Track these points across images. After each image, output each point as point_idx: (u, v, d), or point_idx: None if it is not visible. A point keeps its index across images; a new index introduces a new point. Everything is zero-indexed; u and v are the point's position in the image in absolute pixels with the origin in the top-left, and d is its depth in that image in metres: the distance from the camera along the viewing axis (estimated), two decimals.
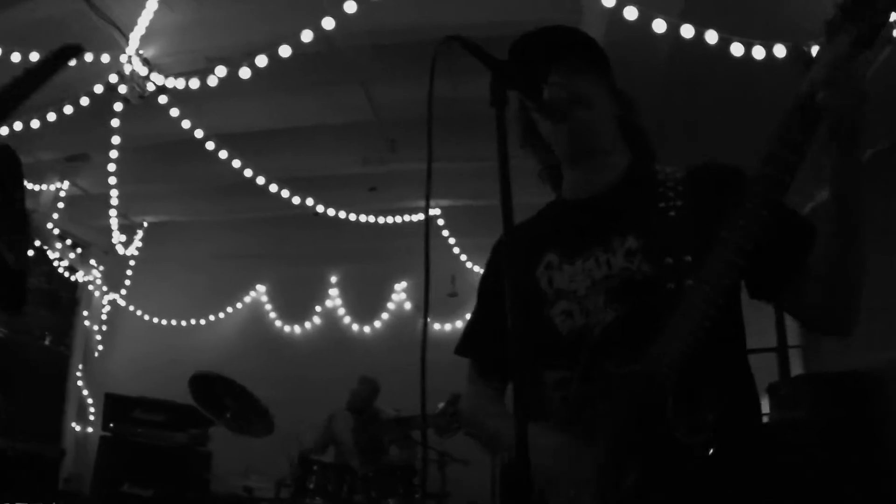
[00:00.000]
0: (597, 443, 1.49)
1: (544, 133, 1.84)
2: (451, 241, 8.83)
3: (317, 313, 9.88)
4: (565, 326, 1.68)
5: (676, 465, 1.40)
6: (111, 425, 6.96)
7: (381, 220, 8.42)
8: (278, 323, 9.98)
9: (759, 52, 4.87)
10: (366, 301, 9.63)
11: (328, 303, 9.86)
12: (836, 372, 7.47)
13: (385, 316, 9.60)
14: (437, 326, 8.83)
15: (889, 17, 1.40)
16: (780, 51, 4.89)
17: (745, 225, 1.42)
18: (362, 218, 8.34)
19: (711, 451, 1.39)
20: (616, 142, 1.84)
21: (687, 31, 4.70)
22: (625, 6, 4.59)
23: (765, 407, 7.60)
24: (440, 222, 8.66)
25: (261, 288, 10.10)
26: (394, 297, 9.68)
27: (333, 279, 9.89)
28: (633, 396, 1.46)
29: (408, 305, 9.58)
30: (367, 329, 9.63)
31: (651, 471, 1.42)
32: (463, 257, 8.82)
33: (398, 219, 8.39)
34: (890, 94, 4.94)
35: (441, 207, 8.50)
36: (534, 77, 1.64)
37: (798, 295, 1.60)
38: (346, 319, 9.75)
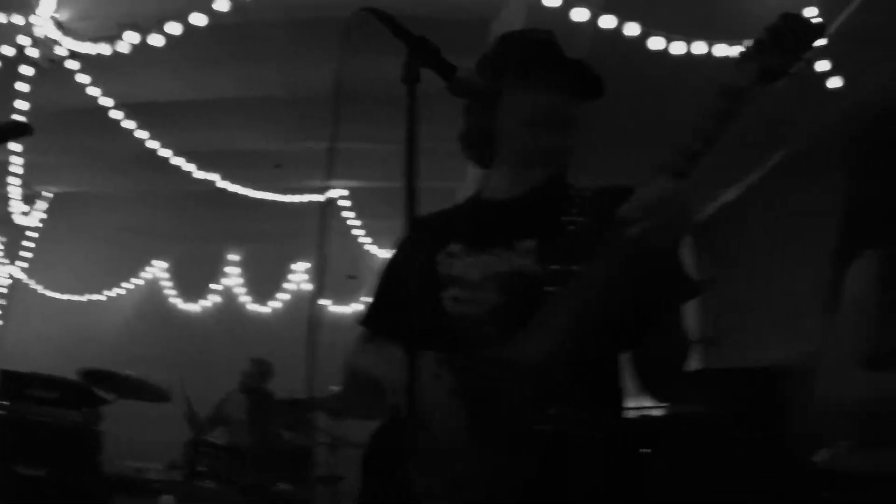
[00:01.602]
0: (475, 429, 1.52)
1: (512, 130, 1.85)
2: (355, 223, 8.76)
3: (216, 292, 9.74)
4: (454, 310, 1.72)
5: (564, 456, 1.46)
6: (6, 403, 6.71)
7: (284, 198, 8.29)
8: (177, 301, 9.81)
9: (678, 48, 4.94)
10: (266, 281, 9.52)
11: (228, 281, 9.72)
12: (736, 367, 7.71)
13: (285, 296, 9.48)
14: (336, 309, 8.77)
15: (801, 56, 1.50)
16: (699, 47, 4.97)
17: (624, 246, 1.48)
18: (266, 196, 8.22)
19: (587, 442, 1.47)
20: (547, 147, 1.87)
21: (608, 21, 4.73)
22: None
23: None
24: (344, 203, 8.58)
25: (161, 264, 9.89)
26: (294, 277, 9.58)
27: (234, 258, 9.71)
28: (513, 386, 1.50)
29: (308, 287, 9.48)
30: (266, 309, 9.50)
31: (539, 462, 1.46)
32: (365, 240, 8.76)
33: (302, 198, 8.28)
34: (801, 101, 5.09)
35: (349, 189, 8.42)
36: (446, 61, 1.62)
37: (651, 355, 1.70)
38: (246, 299, 9.61)
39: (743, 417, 6.70)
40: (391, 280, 1.94)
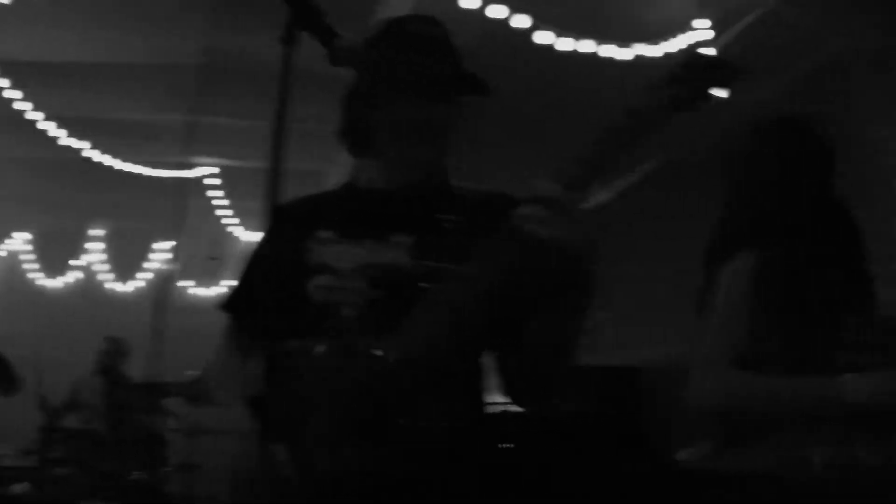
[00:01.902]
0: (338, 422, 1.51)
1: (385, 111, 1.79)
2: (221, 202, 8.54)
3: (78, 268, 9.31)
4: (320, 298, 1.69)
5: (424, 451, 1.46)
6: None
7: (152, 172, 7.95)
8: (36, 275, 9.39)
9: (565, 44, 4.96)
10: (129, 259, 9.20)
11: (90, 258, 9.31)
12: (602, 365, 7.92)
13: (148, 276, 9.17)
14: (197, 291, 8.55)
15: (710, 92, 1.51)
16: (586, 46, 5.00)
17: (506, 247, 1.46)
18: (133, 169, 7.87)
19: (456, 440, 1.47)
20: (427, 141, 1.84)
21: (497, 10, 4.70)
22: None
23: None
24: (212, 182, 8.32)
25: (22, 236, 9.41)
26: (158, 256, 9.25)
27: (98, 233, 9.31)
28: (377, 379, 1.49)
29: (171, 266, 9.16)
30: (128, 288, 9.17)
31: (401, 456, 1.47)
32: (230, 220, 8.54)
33: (171, 174, 7.97)
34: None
35: (215, 166, 8.16)
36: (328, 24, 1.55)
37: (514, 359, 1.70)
38: (108, 277, 9.25)
39: (607, 415, 6.88)
40: (256, 264, 1.89)
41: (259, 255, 1.89)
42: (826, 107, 4.97)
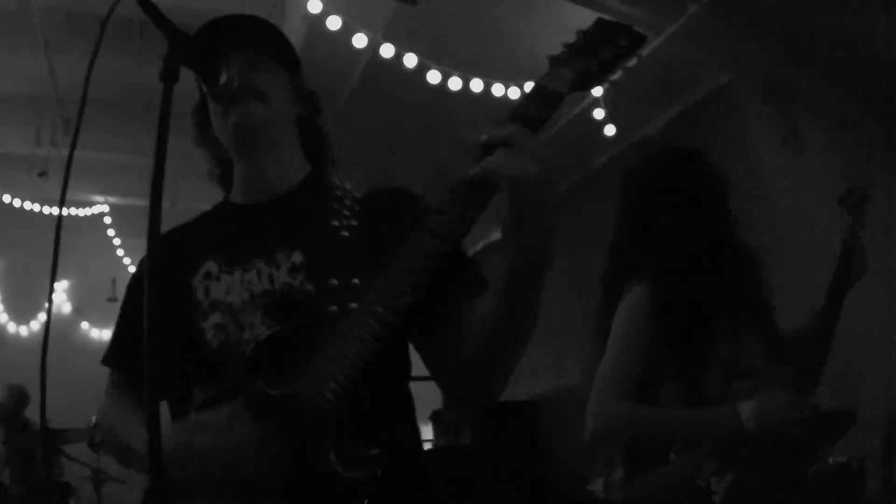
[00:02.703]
0: (241, 468, 1.33)
1: (215, 125, 1.68)
2: (117, 241, 8.32)
3: None
4: (216, 340, 1.52)
5: (340, 500, 1.28)
6: None
7: (47, 209, 7.70)
8: None
9: (455, 83, 5.02)
10: (25, 299, 8.84)
11: None
12: (500, 401, 7.93)
13: (43, 317, 8.84)
14: (95, 333, 8.27)
15: (613, 65, 1.41)
16: (476, 85, 5.07)
17: (419, 251, 1.32)
18: (27, 205, 7.62)
19: (376, 486, 1.27)
20: (293, 146, 1.74)
21: (387, 50, 4.74)
22: (329, 15, 4.50)
23: (429, 434, 7.89)
24: (107, 220, 8.13)
25: None
26: (54, 297, 8.88)
27: None
28: (288, 421, 1.32)
29: (67, 307, 8.86)
30: (23, 330, 8.82)
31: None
32: (127, 260, 8.32)
33: (64, 211, 7.67)
34: (582, 132, 5.34)
35: (110, 204, 7.99)
36: (214, 59, 1.49)
37: (447, 351, 1.52)
38: (2, 318, 8.87)
39: (506, 449, 6.91)
40: (134, 309, 1.70)
41: (135, 299, 1.72)
42: (715, 136, 5.13)
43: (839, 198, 2.52)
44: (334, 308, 1.44)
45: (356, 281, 1.47)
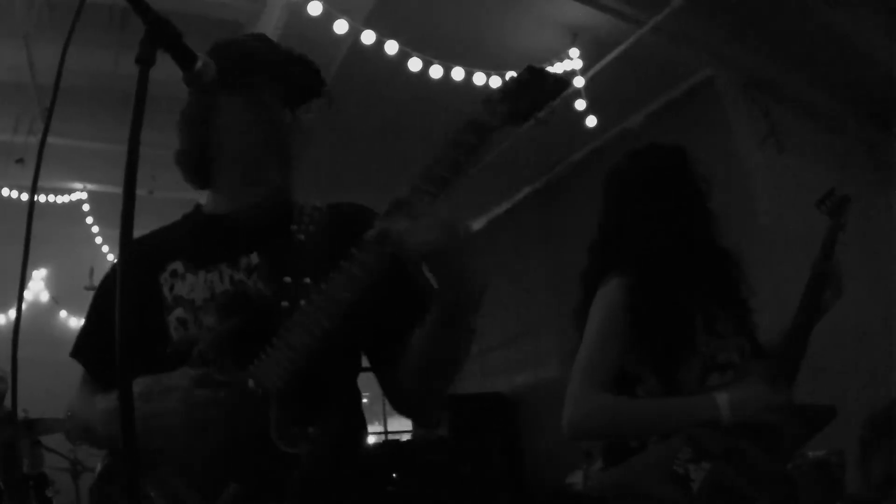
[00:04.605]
0: (194, 449, 1.45)
1: (219, 125, 1.75)
2: (95, 229, 8.25)
3: None
4: (177, 334, 1.65)
5: (277, 475, 1.40)
6: None
7: (25, 197, 7.65)
8: None
9: (436, 72, 5.02)
10: (1, 287, 8.75)
11: None
12: (475, 393, 7.99)
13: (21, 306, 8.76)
14: (73, 322, 8.21)
15: (543, 106, 1.52)
16: (457, 73, 5.07)
17: (362, 260, 1.44)
18: (4, 192, 7.55)
19: (313, 462, 1.40)
20: (268, 163, 1.81)
21: (368, 37, 4.72)
22: (310, 1, 4.50)
23: (407, 424, 7.92)
24: (85, 208, 8.07)
25: None
26: (31, 285, 8.83)
27: None
28: (234, 404, 1.44)
29: (45, 296, 8.78)
30: (1, 319, 8.73)
31: (250, 480, 1.40)
32: (105, 248, 8.26)
33: (43, 198, 7.68)
34: (563, 123, 5.34)
35: (89, 192, 7.93)
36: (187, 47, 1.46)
37: (391, 381, 1.69)
38: None
39: (483, 441, 6.95)
40: (105, 304, 1.77)
41: (106, 295, 1.80)
42: (696, 131, 5.15)
43: (817, 200, 2.52)
44: (286, 304, 1.57)
45: (307, 280, 1.59)
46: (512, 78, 1.55)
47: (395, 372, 1.66)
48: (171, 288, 1.68)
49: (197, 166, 1.80)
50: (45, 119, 6.42)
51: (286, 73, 1.80)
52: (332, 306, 1.44)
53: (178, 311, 1.65)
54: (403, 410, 1.77)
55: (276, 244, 1.68)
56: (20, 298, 1.47)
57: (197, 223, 1.83)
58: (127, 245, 1.15)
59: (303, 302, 1.52)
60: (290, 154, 1.83)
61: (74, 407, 1.76)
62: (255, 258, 1.67)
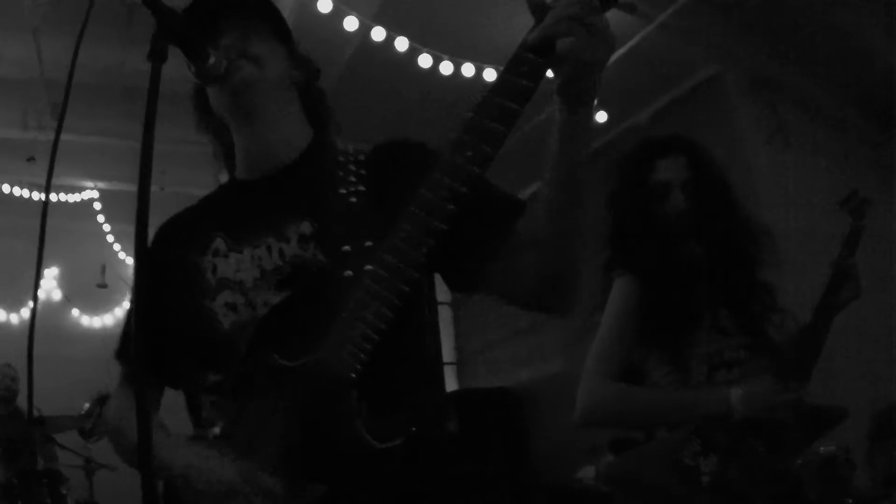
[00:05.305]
0: (258, 450, 1.31)
1: (213, 103, 1.64)
2: (107, 227, 8.22)
3: None
4: (227, 320, 1.49)
5: (370, 473, 1.25)
6: None
7: (36, 195, 7.66)
8: None
9: (446, 68, 5.02)
10: (15, 285, 8.78)
11: None
12: (480, 388, 8.00)
13: (32, 303, 8.78)
14: (85, 320, 8.24)
15: None
16: (468, 69, 5.07)
17: (434, 198, 1.27)
18: (16, 191, 7.58)
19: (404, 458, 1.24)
20: (292, 112, 1.67)
21: (378, 33, 4.74)
22: None
23: None
24: (96, 206, 8.06)
25: None
26: (42, 283, 8.84)
27: None
28: (307, 392, 1.28)
29: (57, 294, 8.78)
30: (14, 318, 8.76)
31: (340, 480, 1.26)
32: (116, 246, 8.28)
33: (54, 196, 7.62)
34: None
35: (99, 189, 7.93)
36: (203, 39, 1.45)
37: (508, 273, 1.46)
38: None
39: (491, 437, 6.95)
40: (142, 301, 1.56)
41: (142, 289, 1.57)
42: (703, 127, 5.14)
43: (841, 200, 2.51)
44: (349, 273, 1.38)
45: (369, 244, 1.40)
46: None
47: (507, 275, 1.46)
48: (214, 269, 1.53)
49: (227, 148, 1.70)
50: (58, 117, 6.42)
51: (268, 7, 1.63)
52: (408, 259, 1.28)
53: (226, 295, 1.50)
54: (538, 303, 1.52)
55: (328, 209, 1.50)
56: (35, 297, 1.45)
57: (233, 193, 1.69)
58: (142, 243, 1.12)
59: (368, 267, 1.33)
60: (321, 102, 1.73)
61: (111, 415, 1.69)
62: (306, 227, 1.50)
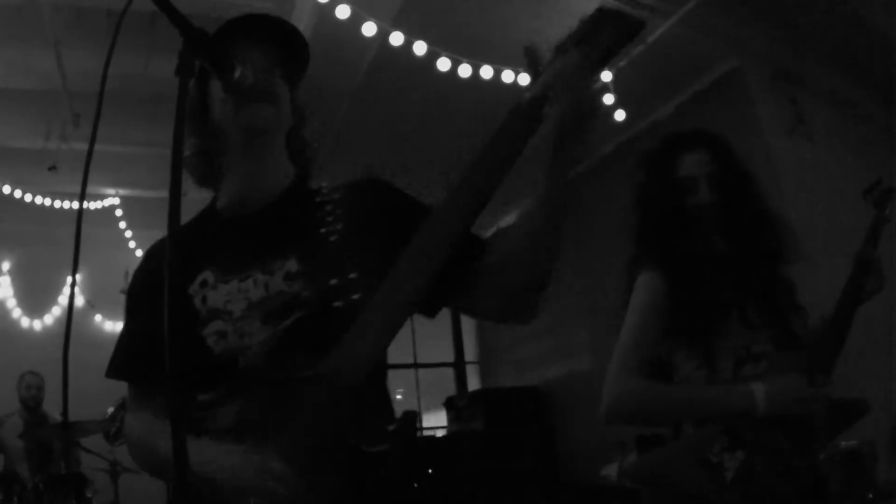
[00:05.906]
0: (267, 443, 1.38)
1: (222, 117, 1.67)
2: (129, 233, 8.33)
3: None
4: (218, 347, 1.56)
5: (363, 475, 1.33)
6: None
7: (57, 203, 7.75)
8: None
9: (465, 70, 5.03)
10: (38, 292, 8.85)
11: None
12: (508, 387, 8.00)
13: (56, 310, 8.86)
14: (108, 325, 8.30)
15: (615, 51, 1.47)
16: (486, 72, 5.07)
17: (435, 239, 1.41)
18: (38, 200, 7.64)
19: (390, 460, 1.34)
20: (281, 154, 1.75)
21: (396, 38, 4.75)
22: (338, 4, 4.54)
23: (442, 420, 7.97)
24: (118, 213, 8.17)
25: None
26: (66, 289, 8.91)
27: (4, 266, 8.96)
28: (311, 402, 1.36)
29: (80, 300, 8.84)
30: (37, 324, 8.84)
31: (340, 483, 1.34)
32: (139, 252, 8.34)
33: (76, 204, 7.70)
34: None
35: (121, 196, 8.02)
36: (227, 54, 1.48)
37: (471, 298, 1.62)
38: (16, 312, 8.89)
39: (518, 434, 6.95)
40: (137, 317, 1.74)
41: (135, 309, 1.75)
42: (724, 122, 5.11)
43: (864, 190, 2.50)
44: (339, 304, 1.50)
45: (354, 275, 1.52)
46: (583, 20, 1.48)
47: (468, 294, 1.60)
48: (204, 300, 1.60)
49: (204, 166, 1.74)
50: (78, 126, 6.50)
51: (288, 53, 1.70)
52: (416, 284, 1.38)
53: (217, 324, 1.57)
54: (497, 314, 1.69)
55: (312, 247, 1.59)
56: (71, 304, 1.49)
57: (218, 228, 1.73)
58: (174, 243, 1.18)
59: (356, 296, 1.47)
60: (305, 143, 1.79)
61: (131, 436, 1.70)
62: (292, 265, 1.57)
